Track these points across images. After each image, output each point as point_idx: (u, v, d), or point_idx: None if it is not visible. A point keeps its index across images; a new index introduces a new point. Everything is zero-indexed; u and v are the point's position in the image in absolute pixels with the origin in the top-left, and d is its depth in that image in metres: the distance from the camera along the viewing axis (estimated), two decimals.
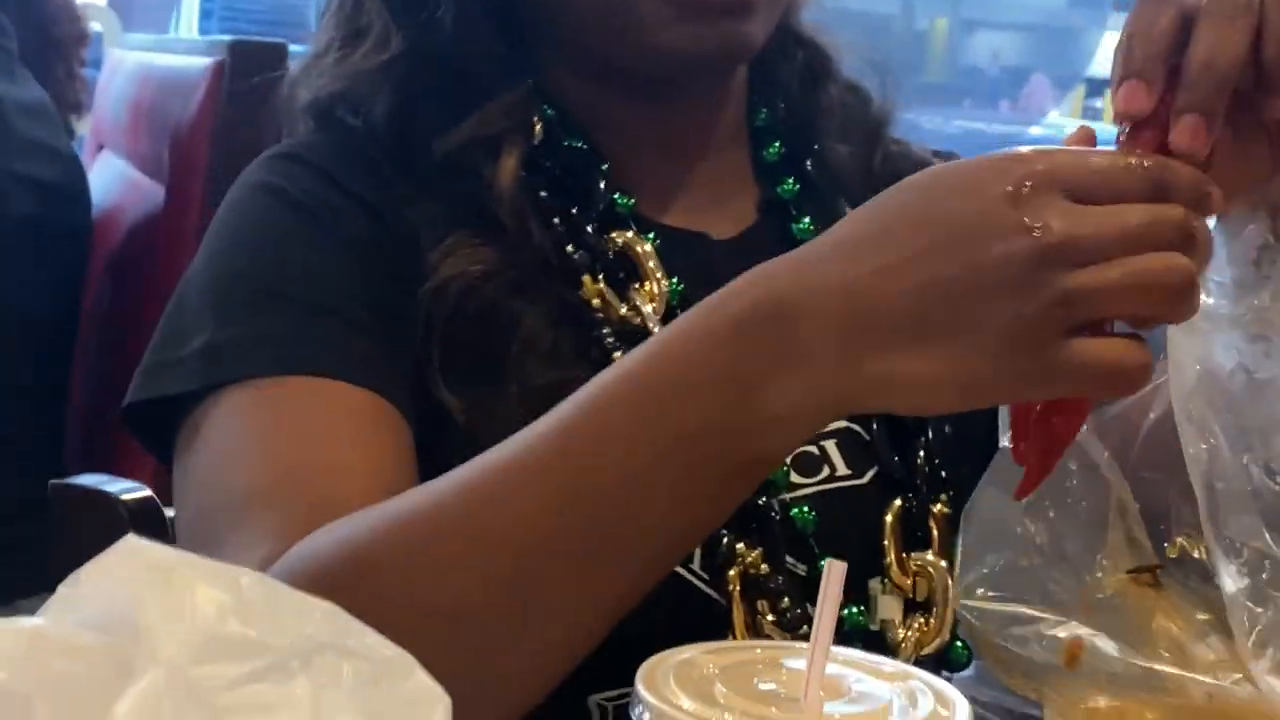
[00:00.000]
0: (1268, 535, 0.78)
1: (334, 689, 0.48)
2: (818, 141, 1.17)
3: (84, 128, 2.45)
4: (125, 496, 1.13)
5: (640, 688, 0.60)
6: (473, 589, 0.77)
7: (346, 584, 0.71)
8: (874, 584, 1.02)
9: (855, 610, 1.00)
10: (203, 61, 2.14)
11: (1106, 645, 0.78)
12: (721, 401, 0.77)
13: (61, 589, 0.52)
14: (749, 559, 0.97)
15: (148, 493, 1.13)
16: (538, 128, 1.08)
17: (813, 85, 1.18)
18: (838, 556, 0.95)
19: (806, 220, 1.12)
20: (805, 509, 1.01)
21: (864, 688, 0.63)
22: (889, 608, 1.01)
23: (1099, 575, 0.82)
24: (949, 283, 0.72)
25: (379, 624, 0.49)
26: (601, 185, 1.08)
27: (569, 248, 1.05)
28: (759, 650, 0.66)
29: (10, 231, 2.14)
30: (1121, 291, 0.71)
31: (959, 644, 1.01)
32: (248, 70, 2.05)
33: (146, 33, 4.01)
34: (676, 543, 0.84)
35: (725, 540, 0.96)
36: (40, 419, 2.25)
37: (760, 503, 0.97)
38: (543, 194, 1.06)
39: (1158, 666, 0.77)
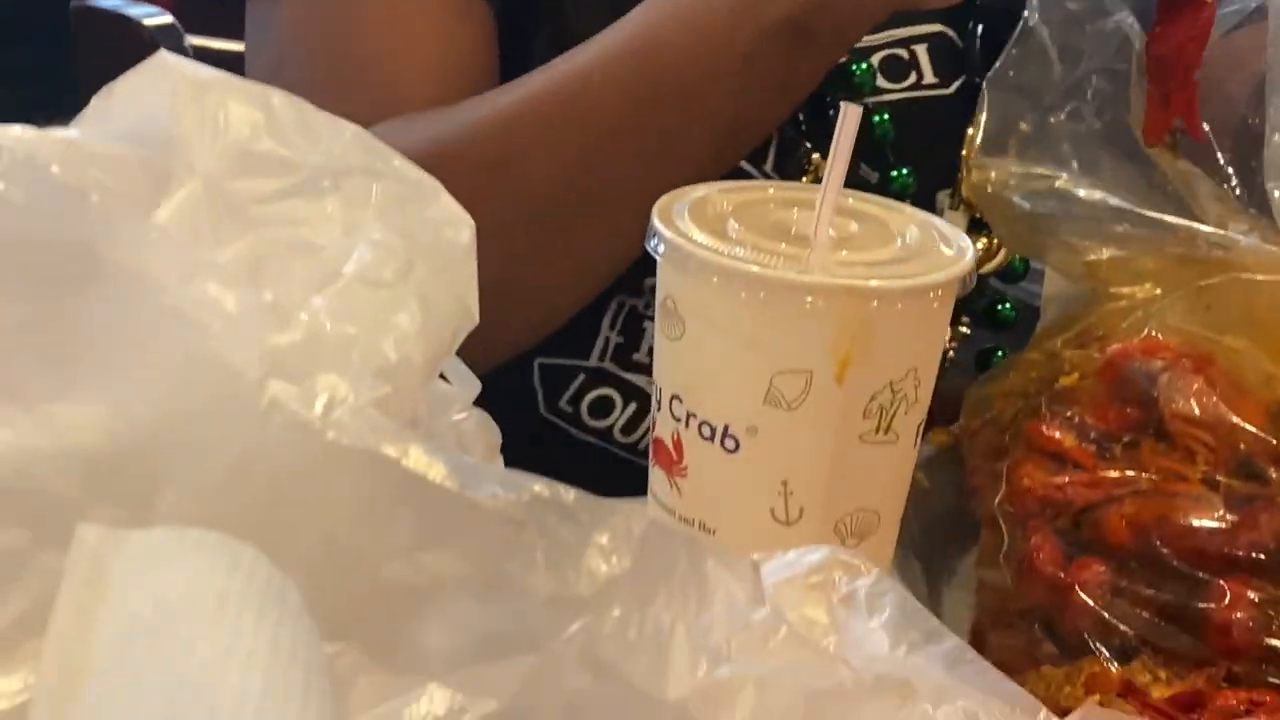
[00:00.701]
0: None
1: (363, 208, 0.48)
2: None
3: None
4: (147, 21, 1.11)
5: (655, 220, 0.61)
6: (550, 180, 0.79)
7: None
8: (942, 197, 1.00)
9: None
10: None
11: (1118, 196, 0.78)
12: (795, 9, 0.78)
13: (94, 101, 0.53)
14: (822, 169, 0.94)
15: (170, 19, 1.12)
16: None
17: None
18: (914, 166, 0.95)
19: None
20: (885, 116, 0.97)
21: (873, 225, 0.64)
22: (954, 223, 0.99)
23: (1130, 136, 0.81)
24: None
25: None
26: None
27: None
28: (772, 190, 0.67)
29: None
30: None
31: (1017, 260, 1.00)
32: None
33: None
34: (745, 129, 0.84)
35: (803, 146, 0.94)
36: None
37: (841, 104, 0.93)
38: None
39: (1166, 216, 0.77)
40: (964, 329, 0.99)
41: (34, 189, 0.41)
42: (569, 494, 0.36)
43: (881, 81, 0.99)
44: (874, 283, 0.59)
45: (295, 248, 0.47)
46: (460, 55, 0.93)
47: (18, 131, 0.49)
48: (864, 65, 0.98)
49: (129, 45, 1.11)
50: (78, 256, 0.40)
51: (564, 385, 0.96)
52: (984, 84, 0.84)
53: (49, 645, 0.30)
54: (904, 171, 0.96)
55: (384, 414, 0.36)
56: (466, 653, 0.36)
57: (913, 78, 1.01)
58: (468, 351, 0.48)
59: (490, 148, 0.82)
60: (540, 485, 0.36)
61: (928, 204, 0.99)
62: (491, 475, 0.35)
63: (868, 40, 0.98)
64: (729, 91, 0.83)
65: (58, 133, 0.51)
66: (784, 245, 0.61)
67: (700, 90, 0.83)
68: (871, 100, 0.98)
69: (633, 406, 0.97)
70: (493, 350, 0.54)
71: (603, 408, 0.97)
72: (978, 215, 1.00)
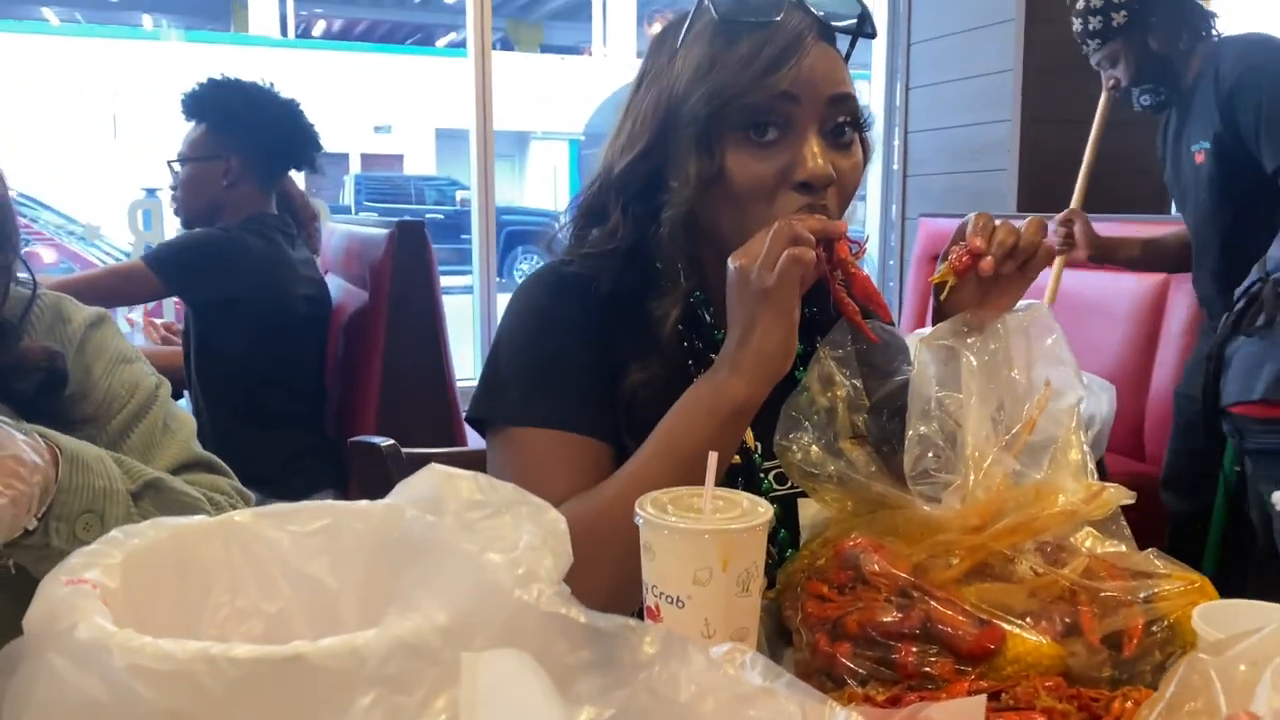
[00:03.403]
0: (933, 431, 0.81)
1: (521, 519, 0.54)
2: (821, 302, 1.00)
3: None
4: (383, 445, 1.19)
5: (636, 508, 0.67)
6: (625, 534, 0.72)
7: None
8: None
9: (767, 482, 0.98)
10: (384, 231, 2.16)
11: (839, 471, 0.83)
12: (736, 407, 0.84)
13: (398, 486, 0.60)
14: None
15: (391, 442, 1.19)
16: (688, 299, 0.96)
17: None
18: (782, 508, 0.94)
19: (801, 347, 0.94)
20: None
21: (728, 502, 0.69)
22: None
23: (839, 444, 0.85)
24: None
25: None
26: (713, 329, 0.99)
27: (690, 363, 0.97)
28: (684, 490, 0.71)
29: (299, 322, 2.13)
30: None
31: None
32: (406, 235, 2.12)
33: (326, 201, 3.51)
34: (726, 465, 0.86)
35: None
36: (310, 419, 2.23)
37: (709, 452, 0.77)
38: (681, 328, 0.96)
39: (859, 478, 0.82)
40: None
41: (405, 524, 0.50)
42: (634, 621, 0.45)
43: (775, 486, 0.98)
44: (733, 525, 0.65)
45: (497, 538, 0.52)
46: (598, 480, 0.90)
47: (387, 502, 0.59)
48: (765, 480, 0.98)
49: (374, 459, 1.18)
50: (430, 545, 0.49)
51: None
52: (783, 407, 0.85)
53: (462, 701, 0.38)
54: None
55: (556, 595, 0.45)
56: (596, 691, 0.42)
57: (790, 484, 0.96)
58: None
59: (592, 529, 0.82)
60: (621, 619, 0.45)
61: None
62: (601, 616, 0.44)
63: (768, 464, 0.97)
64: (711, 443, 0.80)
65: (380, 502, 0.60)
66: (692, 514, 0.67)
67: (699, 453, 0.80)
68: (770, 494, 0.97)
69: None
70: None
71: None
72: None
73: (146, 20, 17.10)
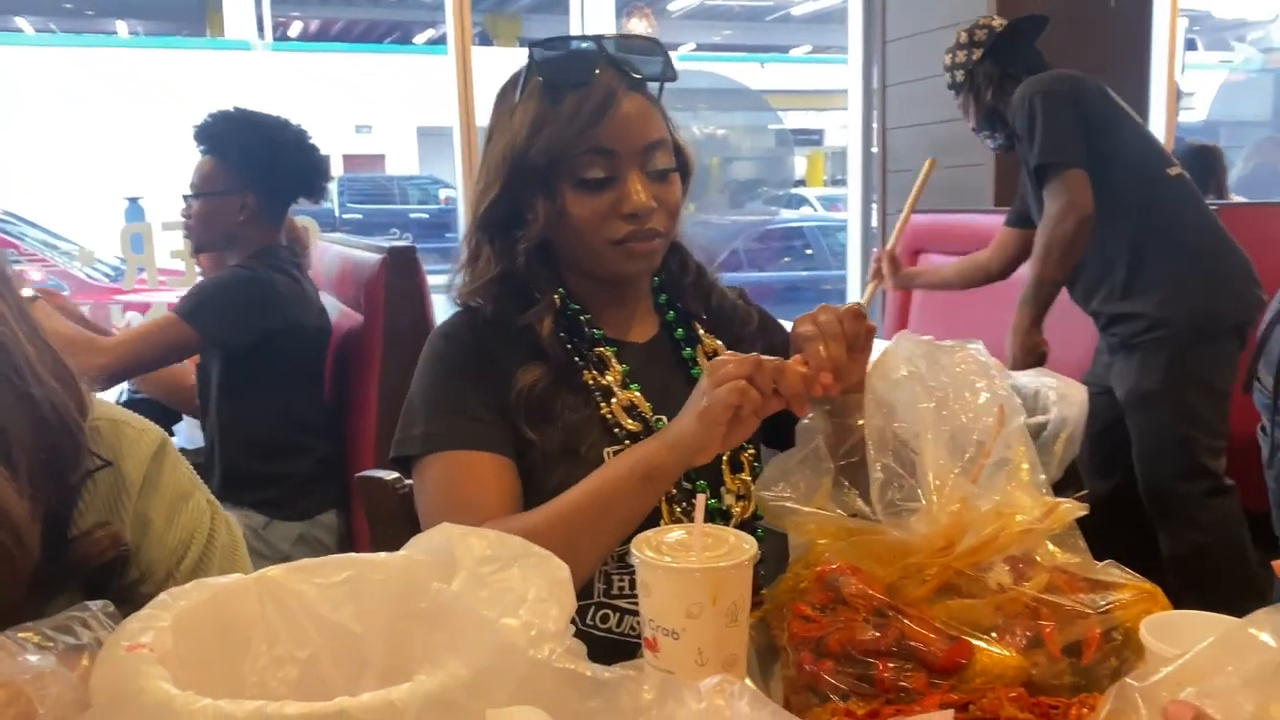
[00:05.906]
0: (893, 461, 0.88)
1: (527, 570, 0.60)
2: (683, 297, 1.20)
3: None
4: (388, 478, 1.23)
5: (633, 549, 0.74)
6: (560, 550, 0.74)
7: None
8: (722, 489, 1.11)
9: (714, 502, 1.10)
10: (377, 256, 2.16)
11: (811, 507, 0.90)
12: (651, 469, 0.95)
13: (412, 540, 0.66)
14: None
15: (396, 475, 1.20)
16: (559, 306, 1.11)
17: (681, 269, 1.20)
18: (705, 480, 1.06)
19: (680, 331, 1.17)
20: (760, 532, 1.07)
21: (715, 539, 0.76)
22: (728, 500, 1.11)
23: (818, 488, 0.91)
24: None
25: None
26: (587, 327, 1.12)
27: (577, 359, 1.10)
28: (679, 529, 0.77)
29: (314, 353, 2.16)
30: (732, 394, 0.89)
31: (757, 512, 1.08)
32: (399, 258, 2.14)
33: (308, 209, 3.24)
34: (638, 518, 0.97)
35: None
36: (316, 446, 2.22)
37: (697, 493, 0.98)
38: (561, 334, 1.10)
39: (835, 513, 0.89)
40: None
41: (431, 592, 0.56)
42: (631, 670, 0.51)
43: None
44: (721, 563, 0.71)
45: (507, 590, 0.58)
46: (510, 488, 1.04)
47: (404, 554, 0.64)
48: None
49: (382, 493, 1.23)
50: (452, 609, 0.55)
51: (583, 611, 1.06)
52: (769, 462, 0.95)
53: None
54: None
55: (565, 653, 0.51)
56: None
57: None
58: None
59: (554, 531, 0.94)
60: (621, 669, 0.51)
61: (716, 492, 1.10)
62: (604, 669, 0.51)
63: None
64: (632, 519, 0.96)
65: (403, 552, 0.65)
66: (681, 551, 0.73)
67: (619, 525, 0.96)
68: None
69: (614, 615, 1.07)
70: None
71: (603, 619, 1.07)
72: (737, 494, 1.11)
73: (121, 27, 16.98)
